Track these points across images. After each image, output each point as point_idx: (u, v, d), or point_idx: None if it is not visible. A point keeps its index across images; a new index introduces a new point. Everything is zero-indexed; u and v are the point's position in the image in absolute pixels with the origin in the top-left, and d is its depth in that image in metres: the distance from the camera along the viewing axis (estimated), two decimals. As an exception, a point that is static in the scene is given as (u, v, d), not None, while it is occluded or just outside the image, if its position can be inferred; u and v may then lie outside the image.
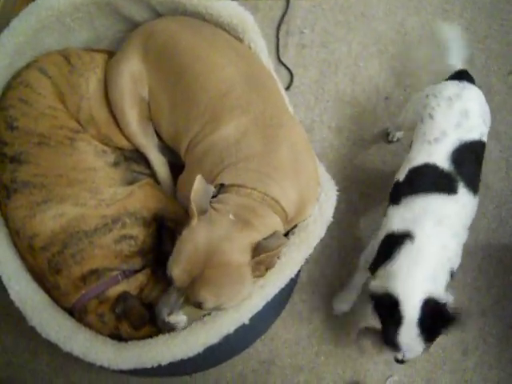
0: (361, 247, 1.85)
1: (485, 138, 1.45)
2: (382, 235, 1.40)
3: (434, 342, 1.70)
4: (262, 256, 1.12)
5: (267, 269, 1.18)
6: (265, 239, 1.14)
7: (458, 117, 1.41)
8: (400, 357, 1.31)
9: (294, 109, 1.55)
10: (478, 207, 1.87)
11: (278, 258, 1.18)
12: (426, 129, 1.44)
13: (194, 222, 1.14)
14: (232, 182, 1.21)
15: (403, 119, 1.72)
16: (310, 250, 1.36)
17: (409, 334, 1.23)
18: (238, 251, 1.12)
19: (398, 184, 1.45)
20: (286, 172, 1.24)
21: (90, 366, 1.29)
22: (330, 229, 1.41)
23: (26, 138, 1.39)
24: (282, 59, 2.11)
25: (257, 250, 1.13)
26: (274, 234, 1.15)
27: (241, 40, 1.54)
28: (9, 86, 1.51)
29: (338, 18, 2.18)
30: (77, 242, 1.31)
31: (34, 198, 1.34)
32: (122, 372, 1.29)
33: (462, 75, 1.53)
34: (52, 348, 1.28)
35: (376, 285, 1.32)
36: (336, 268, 1.84)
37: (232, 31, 1.54)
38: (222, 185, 1.22)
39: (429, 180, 1.38)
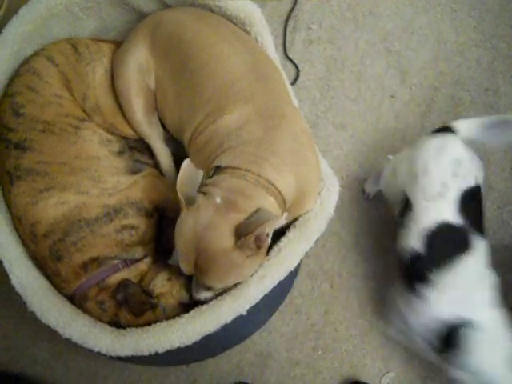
0: (361, 245, 1.87)
1: (480, 181, 1.41)
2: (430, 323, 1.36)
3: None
4: (242, 239, 1.10)
5: (258, 247, 1.15)
6: (246, 219, 1.11)
7: (452, 166, 1.37)
8: None
9: (299, 104, 1.55)
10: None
11: (267, 235, 1.13)
12: (424, 184, 1.38)
13: (183, 212, 1.15)
14: (228, 164, 1.20)
15: (387, 184, 1.65)
16: (310, 244, 1.36)
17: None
18: (220, 237, 1.11)
19: (418, 256, 1.36)
20: (284, 158, 1.22)
21: (88, 353, 1.30)
22: (331, 224, 1.42)
23: (31, 125, 1.40)
24: (289, 54, 2.11)
25: (239, 231, 1.11)
26: (255, 212, 1.12)
27: (248, 33, 1.54)
28: (16, 73, 1.51)
29: (346, 14, 2.18)
30: (78, 230, 1.32)
31: (37, 185, 1.35)
32: (119, 359, 1.31)
33: (444, 129, 1.48)
34: (52, 334, 1.29)
35: None
36: (336, 263, 1.85)
37: (239, 24, 1.54)
38: (218, 167, 1.21)
39: (449, 243, 1.34)
